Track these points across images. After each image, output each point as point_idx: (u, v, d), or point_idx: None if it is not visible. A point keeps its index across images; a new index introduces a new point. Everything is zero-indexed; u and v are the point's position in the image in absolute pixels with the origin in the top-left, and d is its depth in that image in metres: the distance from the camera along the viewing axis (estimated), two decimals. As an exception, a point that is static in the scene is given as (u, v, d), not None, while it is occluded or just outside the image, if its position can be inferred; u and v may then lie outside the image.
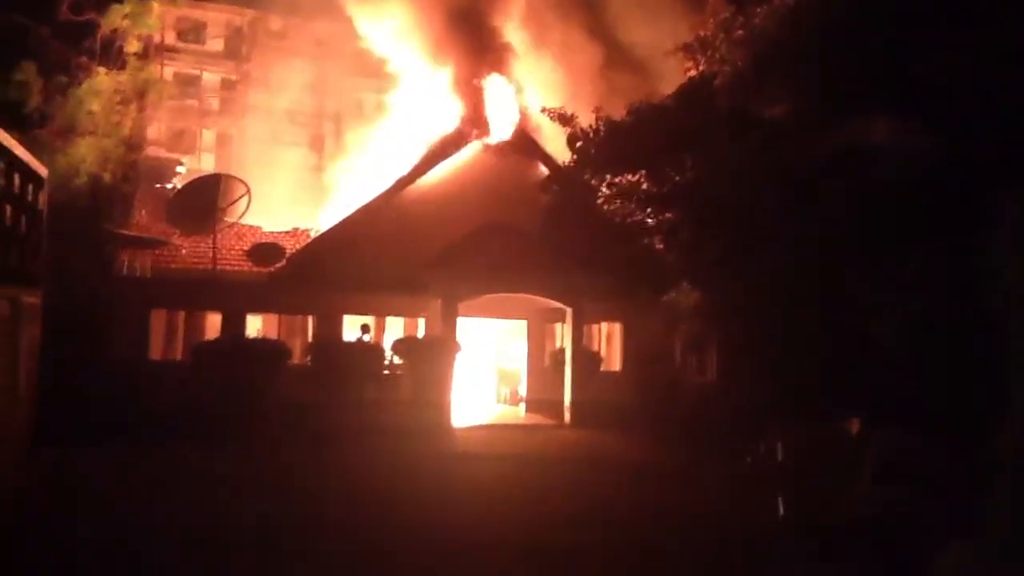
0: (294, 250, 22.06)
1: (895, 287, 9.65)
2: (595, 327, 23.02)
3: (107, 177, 21.92)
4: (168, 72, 31.99)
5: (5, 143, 5.39)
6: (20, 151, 5.65)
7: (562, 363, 21.44)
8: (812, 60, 10.54)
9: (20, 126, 19.54)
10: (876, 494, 9.47)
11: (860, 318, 10.01)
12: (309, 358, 19.70)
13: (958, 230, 9.30)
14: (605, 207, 15.33)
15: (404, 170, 22.02)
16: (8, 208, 5.49)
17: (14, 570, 6.60)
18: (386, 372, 19.82)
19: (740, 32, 12.90)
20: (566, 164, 15.51)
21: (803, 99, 10.65)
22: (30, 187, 5.98)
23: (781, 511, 9.94)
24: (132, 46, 23.10)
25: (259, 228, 24.60)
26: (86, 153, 21.38)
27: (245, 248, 22.56)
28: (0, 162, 5.34)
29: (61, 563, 7.46)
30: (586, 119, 14.82)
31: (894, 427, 9.54)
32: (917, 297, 9.47)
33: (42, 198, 6.35)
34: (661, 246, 14.94)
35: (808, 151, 10.48)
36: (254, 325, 20.78)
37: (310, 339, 20.21)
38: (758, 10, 12.54)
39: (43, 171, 6.27)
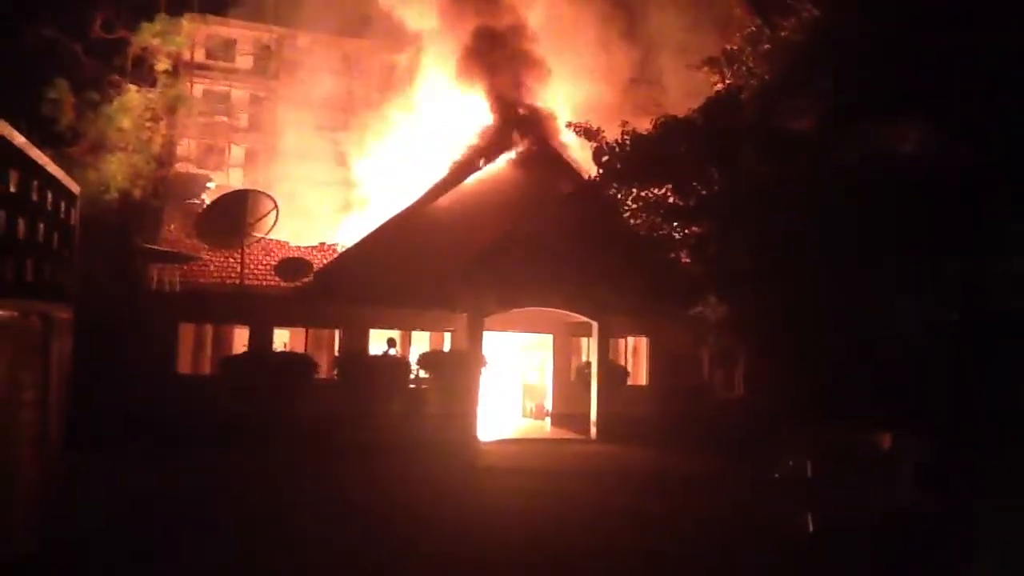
0: (321, 265, 22.20)
1: (928, 295, 9.55)
2: (621, 341, 22.93)
3: (137, 193, 22.21)
4: (197, 89, 32.40)
5: (39, 161, 5.46)
6: (53, 168, 5.73)
7: (588, 377, 21.37)
8: (839, 69, 10.49)
9: (53, 143, 19.88)
10: (907, 505, 9.36)
11: (892, 327, 9.91)
12: (336, 372, 19.76)
13: (989, 236, 9.20)
14: (631, 220, 15.28)
15: (430, 185, 22.12)
16: (41, 225, 5.55)
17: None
18: (412, 386, 19.84)
19: (767, 46, 12.88)
20: (592, 178, 15.48)
21: (831, 109, 10.59)
22: (63, 204, 6.05)
23: (811, 526, 9.83)
24: (162, 64, 23.44)
25: (286, 243, 24.78)
26: (116, 169, 21.68)
27: (272, 263, 22.74)
28: (34, 179, 5.40)
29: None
30: (613, 133, 14.81)
31: (927, 436, 9.42)
32: (950, 305, 9.36)
33: (74, 215, 6.42)
34: (687, 259, 14.87)
35: (836, 161, 10.41)
36: (281, 339, 20.91)
37: (336, 353, 20.28)
38: (784, 23, 12.52)
39: (75, 188, 6.35)
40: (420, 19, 25.88)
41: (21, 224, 5.11)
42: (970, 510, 8.95)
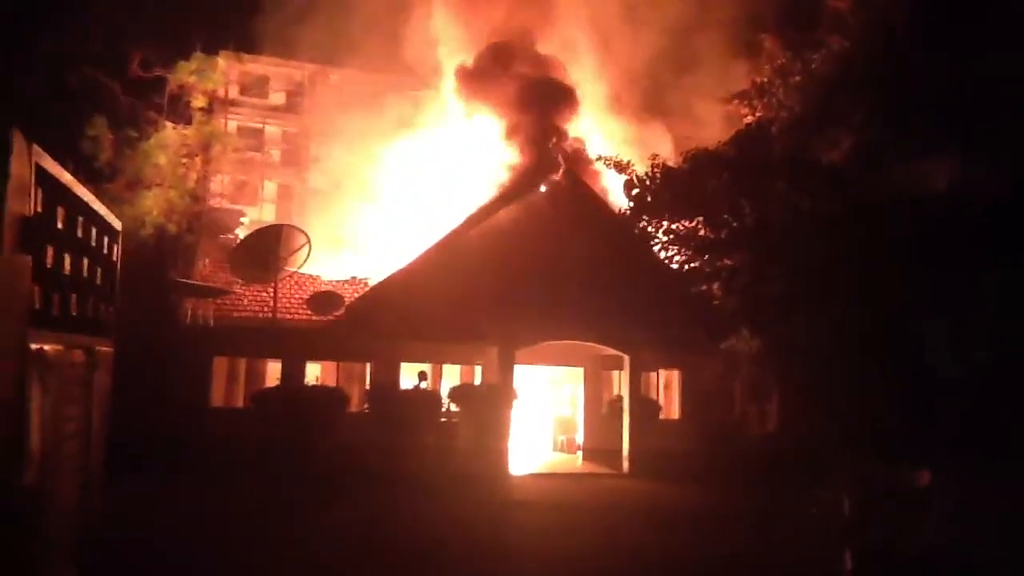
0: (352, 298, 22.32)
1: (969, 329, 9.42)
2: (653, 374, 22.82)
3: (172, 228, 22.53)
4: (232, 125, 32.91)
5: (84, 198, 5.57)
6: (97, 205, 5.84)
7: (619, 411, 21.26)
8: (870, 103, 10.47)
9: (92, 179, 20.26)
10: (946, 544, 9.18)
11: (932, 361, 9.77)
12: (367, 405, 19.83)
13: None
14: (662, 254, 15.24)
15: (461, 219, 22.24)
16: (86, 260, 5.65)
17: None
18: (443, 419, 19.85)
19: (797, 78, 12.88)
20: (623, 211, 15.49)
21: (863, 143, 10.55)
22: (106, 239, 6.15)
23: (848, 565, 9.66)
24: (198, 101, 23.88)
25: (318, 277, 24.96)
26: (152, 205, 22.03)
27: (304, 297, 22.90)
28: (79, 216, 5.51)
29: None
30: (643, 166, 14.83)
31: (966, 474, 9.26)
32: (993, 339, 9.22)
33: (116, 250, 6.52)
34: (719, 292, 14.80)
35: (871, 193, 10.35)
36: (313, 372, 21.03)
37: (368, 386, 20.35)
38: (815, 56, 12.53)
39: (118, 224, 6.46)
40: (451, 56, 26.18)
41: (67, 260, 5.21)
42: (1013, 551, 8.76)
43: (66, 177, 5.09)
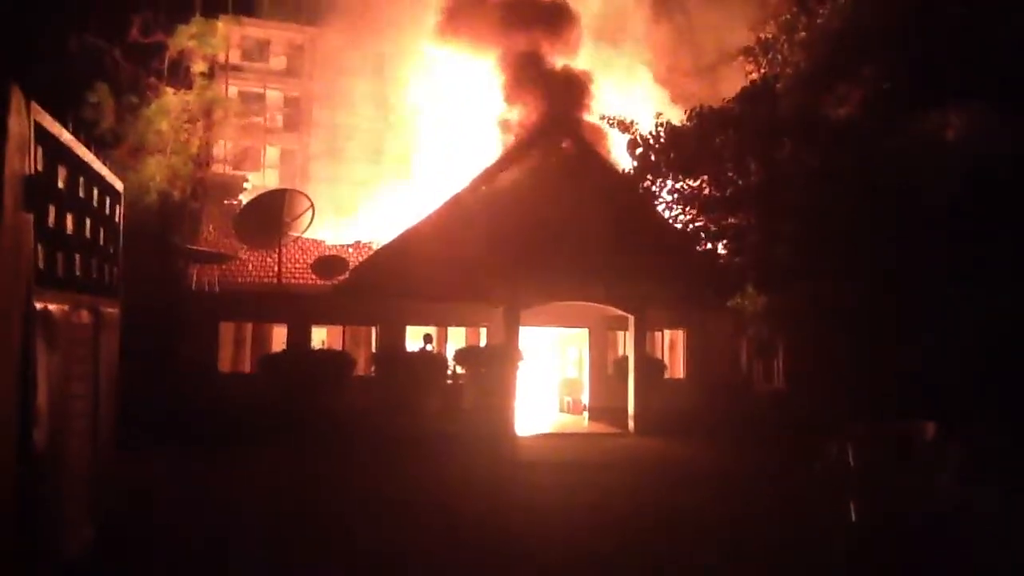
0: (357, 262, 22.32)
1: (978, 282, 9.38)
2: (658, 334, 22.84)
3: (176, 194, 22.47)
4: (233, 91, 32.69)
5: (84, 158, 5.54)
6: (98, 165, 5.82)
7: (625, 371, 21.29)
8: (880, 53, 10.35)
9: (95, 146, 20.18)
10: (951, 495, 9.24)
11: (939, 315, 9.76)
12: (373, 368, 19.89)
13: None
14: (667, 213, 15.20)
15: (465, 181, 22.16)
16: (88, 220, 5.64)
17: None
18: (449, 381, 19.92)
19: (803, 34, 12.73)
20: (627, 171, 15.40)
21: (873, 96, 10.45)
22: (108, 200, 6.14)
23: (853, 516, 9.73)
24: (198, 66, 23.68)
25: (322, 242, 24.97)
26: (155, 171, 21.93)
27: (309, 261, 22.91)
28: (80, 176, 5.49)
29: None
30: (648, 124, 14.73)
31: (973, 429, 9.29)
32: (1002, 291, 9.18)
33: (119, 211, 6.51)
34: (725, 251, 14.76)
35: (880, 147, 10.26)
36: (319, 336, 21.09)
37: (374, 350, 20.42)
38: (821, 11, 12.36)
39: (119, 185, 6.44)
40: (457, 19, 25.88)
41: (69, 220, 5.20)
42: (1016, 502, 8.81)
43: (66, 136, 5.06)
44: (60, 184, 5.06)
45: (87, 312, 5.53)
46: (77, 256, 5.36)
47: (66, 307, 5.02)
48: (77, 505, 5.47)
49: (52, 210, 4.85)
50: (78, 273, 5.38)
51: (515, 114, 23.01)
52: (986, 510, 9.22)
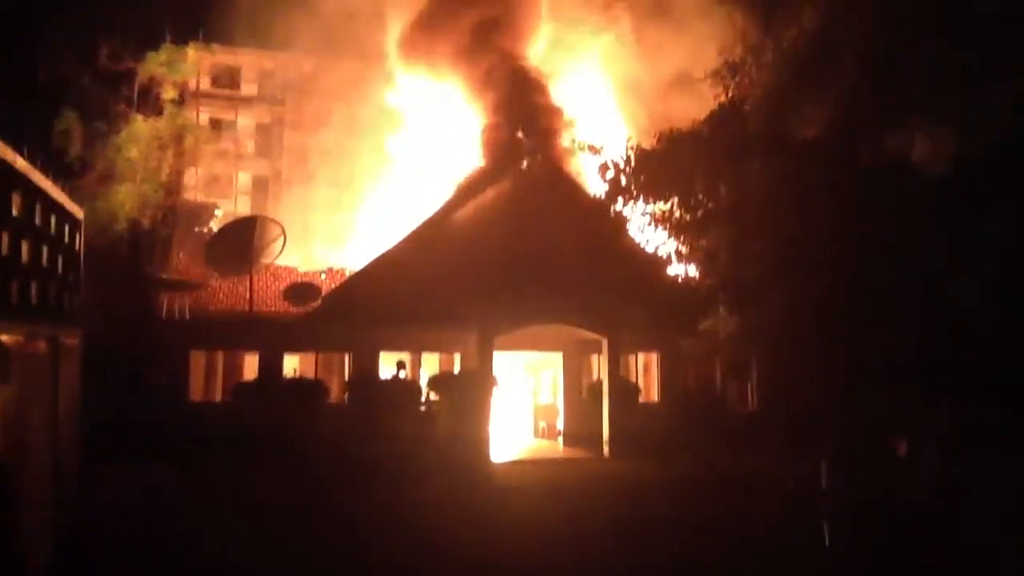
0: (329, 289, 22.18)
1: (946, 296, 9.43)
2: (632, 357, 22.81)
3: (146, 222, 22.36)
4: (203, 117, 32.58)
5: (41, 185, 5.45)
6: (55, 193, 5.73)
7: (599, 395, 21.22)
8: (843, 79, 10.45)
9: (63, 174, 19.99)
10: (924, 510, 9.23)
11: (909, 330, 9.79)
12: (346, 395, 19.73)
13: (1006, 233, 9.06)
14: (638, 236, 15.21)
15: (436, 206, 22.14)
16: (45, 248, 5.54)
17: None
18: (423, 408, 19.78)
19: (770, 56, 12.83)
20: (598, 195, 15.42)
21: (837, 118, 10.54)
22: (66, 227, 6.04)
23: (827, 536, 9.71)
24: (169, 92, 23.65)
25: (294, 268, 24.81)
26: (125, 199, 21.81)
27: (281, 288, 22.75)
28: (37, 203, 5.39)
29: None
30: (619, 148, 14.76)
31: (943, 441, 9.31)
32: (989, 264, 9.20)
33: (79, 239, 6.41)
34: (697, 273, 14.78)
35: (847, 166, 10.35)
36: (291, 364, 20.90)
37: (347, 376, 20.26)
38: (786, 33, 12.47)
39: (79, 213, 6.35)
40: (425, 41, 25.96)
41: (24, 247, 5.10)
42: (989, 513, 8.81)
43: (20, 163, 4.97)
44: (15, 212, 4.96)
45: (44, 342, 5.41)
46: (33, 284, 5.25)
47: (20, 338, 4.91)
48: (37, 534, 5.33)
49: (5, 237, 4.75)
50: (34, 302, 5.27)
51: (486, 138, 23.06)
52: (962, 530, 9.22)
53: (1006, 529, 8.51)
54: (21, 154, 5.03)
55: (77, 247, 6.31)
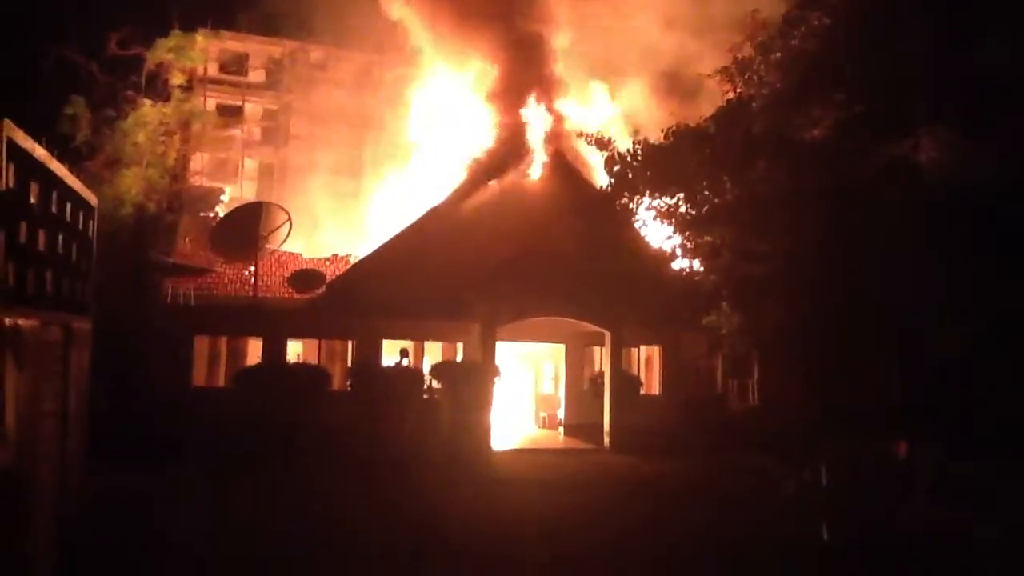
0: (334, 276, 22.26)
1: (948, 307, 9.48)
2: (634, 351, 22.89)
3: (152, 207, 22.39)
4: (211, 103, 32.61)
5: (58, 173, 5.52)
6: (72, 180, 5.79)
7: (601, 387, 21.32)
8: (851, 81, 10.49)
9: (70, 159, 20.05)
10: (926, 515, 9.31)
11: (911, 338, 9.85)
12: (349, 382, 19.82)
13: (1012, 248, 9.12)
14: (644, 230, 15.28)
15: (442, 196, 22.18)
16: (61, 236, 5.61)
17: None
18: (425, 396, 19.86)
19: (779, 55, 12.86)
20: (604, 188, 15.48)
21: (845, 117, 10.58)
22: (81, 215, 6.11)
23: (825, 536, 9.78)
24: (176, 79, 23.66)
25: (299, 255, 24.89)
26: (132, 183, 21.84)
27: (286, 275, 22.83)
28: (53, 191, 5.46)
29: None
30: (625, 142, 14.81)
31: (944, 446, 9.37)
32: (971, 318, 9.28)
33: (92, 226, 6.48)
34: (701, 268, 14.83)
35: (852, 169, 10.39)
36: (295, 350, 20.99)
37: (350, 364, 20.34)
38: (795, 32, 12.50)
39: (93, 200, 6.41)
40: (435, 31, 25.96)
41: (41, 236, 5.17)
42: (989, 519, 8.90)
43: (39, 152, 5.04)
44: (32, 200, 5.04)
45: (58, 328, 5.49)
46: (49, 272, 5.32)
47: (37, 324, 4.99)
48: (44, 526, 5.41)
49: (24, 226, 4.82)
50: (50, 289, 5.34)
51: (494, 130, 23.08)
52: (958, 531, 9.30)
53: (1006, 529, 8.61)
54: (39, 142, 5.10)
55: (90, 234, 6.38)
